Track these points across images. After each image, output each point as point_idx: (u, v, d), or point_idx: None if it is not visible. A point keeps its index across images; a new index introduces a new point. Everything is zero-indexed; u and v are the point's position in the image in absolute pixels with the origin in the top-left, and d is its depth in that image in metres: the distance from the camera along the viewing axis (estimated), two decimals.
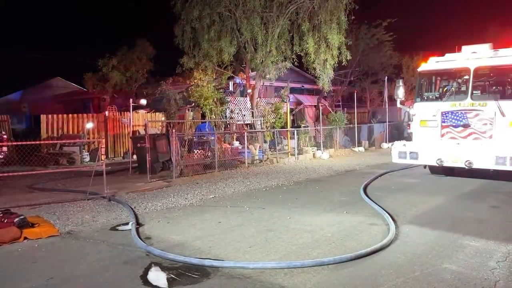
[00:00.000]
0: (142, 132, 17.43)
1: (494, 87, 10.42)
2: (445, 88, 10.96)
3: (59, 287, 4.53)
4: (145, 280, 4.62)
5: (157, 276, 4.77)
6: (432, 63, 11.10)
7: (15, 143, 12.74)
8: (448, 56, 10.98)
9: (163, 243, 5.92)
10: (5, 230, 6.20)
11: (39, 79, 30.30)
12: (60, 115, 18.49)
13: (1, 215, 6.67)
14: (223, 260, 5.10)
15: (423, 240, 5.91)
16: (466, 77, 10.31)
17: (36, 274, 4.89)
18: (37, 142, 12.82)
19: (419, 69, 11.37)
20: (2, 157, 14.17)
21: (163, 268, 4.95)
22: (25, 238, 6.24)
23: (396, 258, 5.14)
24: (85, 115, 19.55)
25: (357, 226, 6.69)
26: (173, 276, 4.69)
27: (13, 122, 19.10)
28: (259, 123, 17.58)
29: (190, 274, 4.72)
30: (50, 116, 18.08)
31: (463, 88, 10.53)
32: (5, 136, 15.44)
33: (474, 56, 10.35)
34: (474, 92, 10.16)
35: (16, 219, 6.50)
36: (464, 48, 10.84)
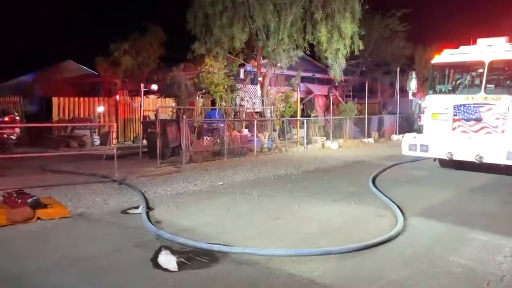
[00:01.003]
0: (152, 117, 17.53)
1: (508, 82, 10.30)
2: (458, 81, 10.84)
3: (72, 266, 4.64)
4: (155, 263, 4.71)
5: (167, 259, 4.84)
6: (446, 56, 10.96)
7: (28, 125, 12.91)
8: (462, 48, 10.83)
9: (173, 228, 6.01)
10: (19, 210, 6.34)
11: (51, 62, 30.43)
12: (71, 98, 18.64)
13: (15, 195, 6.83)
14: (232, 246, 5.18)
15: (431, 233, 5.94)
16: (481, 70, 10.19)
17: (50, 254, 5.01)
18: (49, 125, 12.99)
19: (433, 61, 11.24)
20: (14, 138, 14.36)
21: (173, 252, 5.03)
22: (38, 218, 6.37)
23: (403, 250, 5.17)
24: (96, 98, 19.67)
25: (365, 217, 6.73)
26: (183, 260, 4.78)
27: (24, 104, 19.27)
28: (268, 111, 17.57)
29: (199, 259, 4.81)
30: (61, 99, 18.26)
31: (477, 82, 10.41)
32: (17, 118, 15.63)
33: (490, 49, 10.20)
34: (488, 86, 10.03)
35: (30, 200, 6.64)
36: (479, 40, 10.69)
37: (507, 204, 7.73)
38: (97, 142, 17.57)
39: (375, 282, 4.23)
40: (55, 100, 18.05)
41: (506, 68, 10.18)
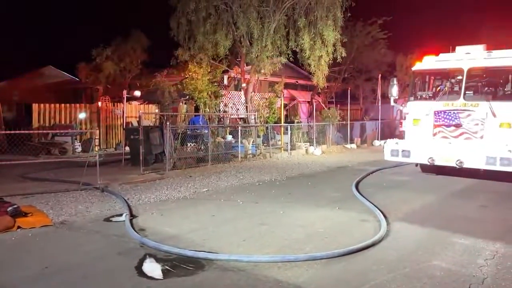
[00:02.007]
0: (135, 123, 17.38)
1: (486, 88, 10.56)
2: (439, 88, 11.08)
3: (54, 276, 4.56)
4: (140, 271, 4.66)
5: (152, 267, 4.81)
6: (426, 63, 11.20)
7: (7, 132, 12.64)
8: (442, 56, 11.08)
9: (157, 235, 5.96)
10: None
11: (31, 67, 29.93)
12: (52, 105, 18.36)
13: None
14: (217, 253, 5.16)
15: (414, 237, 6.03)
16: (460, 77, 10.43)
17: (31, 263, 4.91)
18: (29, 132, 12.74)
19: (413, 68, 11.47)
20: None
21: (158, 260, 4.99)
22: (19, 227, 6.24)
23: (387, 254, 5.23)
24: (77, 105, 19.42)
25: (349, 222, 6.79)
26: (168, 268, 4.74)
27: (3, 110, 18.90)
28: (252, 117, 17.62)
29: (184, 266, 4.78)
30: (42, 105, 17.96)
31: (456, 88, 10.66)
32: None
33: (468, 56, 10.47)
34: (467, 92, 10.28)
35: (10, 208, 6.51)
36: (458, 48, 10.96)
37: (487, 208, 7.90)
38: (79, 149, 17.31)
39: (359, 287, 4.27)
40: (35, 106, 17.75)
41: (484, 75, 10.43)
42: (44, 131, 16.44)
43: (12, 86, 28.12)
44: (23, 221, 6.40)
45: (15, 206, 6.64)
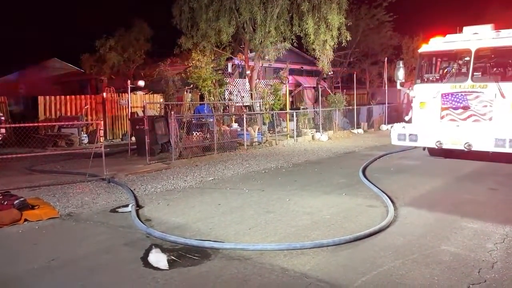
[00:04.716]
0: (140, 113, 17.35)
1: (495, 69, 10.36)
2: (446, 70, 10.89)
3: (61, 268, 4.56)
4: (145, 262, 4.66)
5: (157, 257, 4.80)
6: (433, 44, 10.99)
7: (13, 125, 12.68)
8: (449, 37, 10.86)
9: (163, 225, 5.95)
10: (5, 212, 6.22)
11: (36, 60, 29.96)
12: (57, 97, 18.41)
13: (1, 197, 6.69)
14: (223, 242, 5.14)
15: (422, 222, 5.95)
16: (467, 58, 10.23)
17: (38, 256, 4.92)
18: (36, 124, 12.79)
19: (420, 50, 11.26)
20: (0, 138, 14.12)
21: (164, 250, 4.99)
22: (26, 220, 6.27)
23: (395, 240, 5.18)
24: (82, 96, 19.44)
25: (356, 208, 6.73)
26: (174, 258, 4.73)
27: (10, 104, 18.97)
28: (258, 105, 17.50)
29: (190, 256, 4.76)
30: (47, 97, 18.01)
31: (464, 70, 10.45)
32: (3, 118, 15.36)
33: (476, 37, 10.24)
34: (474, 73, 10.08)
35: (16, 201, 6.52)
36: (465, 29, 10.72)
37: (496, 191, 7.79)
38: (85, 140, 17.40)
39: (367, 273, 4.22)
40: (41, 99, 17.80)
41: (493, 56, 10.22)
42: (51, 123, 16.49)
43: (18, 79, 28.21)
44: (30, 214, 6.43)
45: (21, 199, 6.66)
